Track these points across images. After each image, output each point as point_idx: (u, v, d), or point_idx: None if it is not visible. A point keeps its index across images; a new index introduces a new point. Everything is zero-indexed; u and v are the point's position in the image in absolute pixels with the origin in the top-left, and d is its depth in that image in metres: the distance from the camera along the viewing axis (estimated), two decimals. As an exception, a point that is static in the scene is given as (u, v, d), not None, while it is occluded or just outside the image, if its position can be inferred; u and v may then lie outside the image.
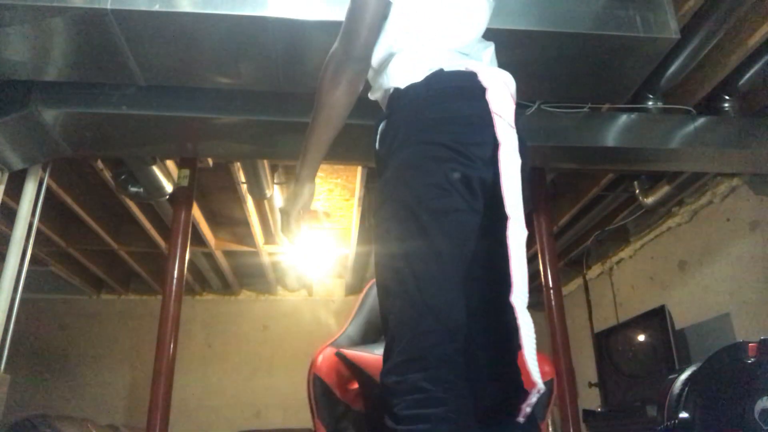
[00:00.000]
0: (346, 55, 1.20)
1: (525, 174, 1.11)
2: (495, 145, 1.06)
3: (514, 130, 1.10)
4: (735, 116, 2.75)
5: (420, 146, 1.09)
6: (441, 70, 1.15)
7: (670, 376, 2.05)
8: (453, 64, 1.16)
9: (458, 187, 1.04)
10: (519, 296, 0.97)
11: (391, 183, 1.11)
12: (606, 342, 4.07)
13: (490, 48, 1.33)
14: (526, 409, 0.92)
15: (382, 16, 1.21)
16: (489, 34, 1.40)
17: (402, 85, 1.17)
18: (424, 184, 1.06)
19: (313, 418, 1.69)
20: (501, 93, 1.12)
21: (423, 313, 1.01)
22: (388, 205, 1.11)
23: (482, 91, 1.11)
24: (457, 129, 1.09)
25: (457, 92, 1.13)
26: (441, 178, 1.05)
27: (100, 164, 3.27)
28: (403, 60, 1.20)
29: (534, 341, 0.95)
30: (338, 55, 1.21)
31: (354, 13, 1.20)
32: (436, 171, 1.06)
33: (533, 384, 0.91)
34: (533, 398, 0.91)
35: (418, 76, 1.16)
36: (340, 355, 1.69)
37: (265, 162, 3.25)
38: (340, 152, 2.14)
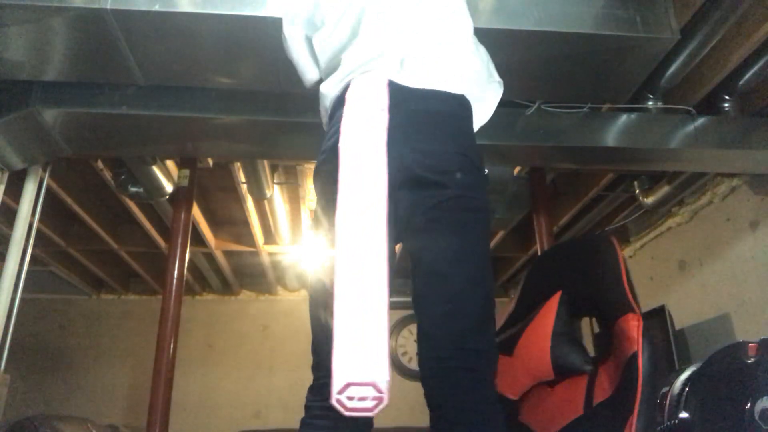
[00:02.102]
0: (306, 87, 1.48)
1: (407, 148, 1.12)
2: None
3: (383, 112, 1.12)
4: (735, 116, 2.75)
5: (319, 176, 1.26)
6: (334, 100, 1.29)
7: (670, 376, 2.05)
8: (339, 86, 1.27)
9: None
10: (342, 289, 0.97)
11: None
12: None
13: (439, 37, 1.30)
14: (346, 403, 0.89)
15: (309, 52, 1.45)
16: (490, 35, 1.39)
17: None
18: (326, 202, 1.19)
19: None
20: (364, 86, 1.18)
21: (315, 331, 1.16)
22: None
23: (343, 102, 1.19)
24: (327, 146, 1.21)
25: (333, 114, 1.27)
26: (330, 194, 1.13)
27: (100, 164, 3.27)
28: (320, 108, 1.37)
29: (360, 334, 0.93)
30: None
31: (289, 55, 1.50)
32: (328, 191, 1.15)
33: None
34: (345, 392, 0.89)
35: (324, 117, 1.36)
36: None
37: (265, 162, 3.25)
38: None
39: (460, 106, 1.25)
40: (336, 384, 0.89)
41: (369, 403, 0.88)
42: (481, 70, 1.37)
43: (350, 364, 0.90)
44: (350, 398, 0.89)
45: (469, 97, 1.29)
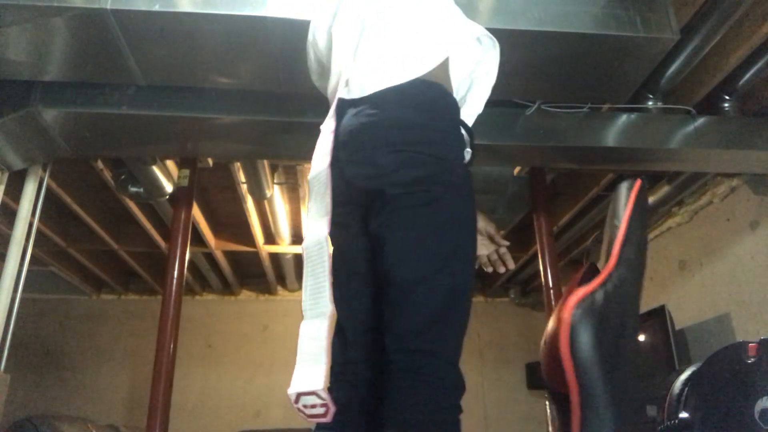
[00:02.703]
0: None
1: (346, 164, 1.15)
2: None
3: (331, 134, 1.18)
4: (735, 116, 2.75)
5: None
6: None
7: (670, 376, 2.05)
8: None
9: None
10: (303, 307, 1.07)
11: None
12: (606, 342, 4.06)
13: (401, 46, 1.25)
14: (304, 410, 1.00)
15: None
16: (491, 34, 1.39)
17: None
18: None
19: None
20: (328, 115, 1.23)
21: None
22: None
23: None
24: None
25: None
26: None
27: (100, 164, 3.27)
28: None
29: (307, 349, 1.04)
30: None
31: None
32: None
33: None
34: (299, 401, 1.00)
35: None
36: None
37: (265, 162, 3.25)
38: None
39: (410, 95, 1.14)
40: (290, 395, 1.02)
41: (320, 410, 0.98)
42: (447, 40, 1.26)
43: (298, 377, 1.02)
44: (305, 406, 1.00)
45: (452, 71, 1.25)
